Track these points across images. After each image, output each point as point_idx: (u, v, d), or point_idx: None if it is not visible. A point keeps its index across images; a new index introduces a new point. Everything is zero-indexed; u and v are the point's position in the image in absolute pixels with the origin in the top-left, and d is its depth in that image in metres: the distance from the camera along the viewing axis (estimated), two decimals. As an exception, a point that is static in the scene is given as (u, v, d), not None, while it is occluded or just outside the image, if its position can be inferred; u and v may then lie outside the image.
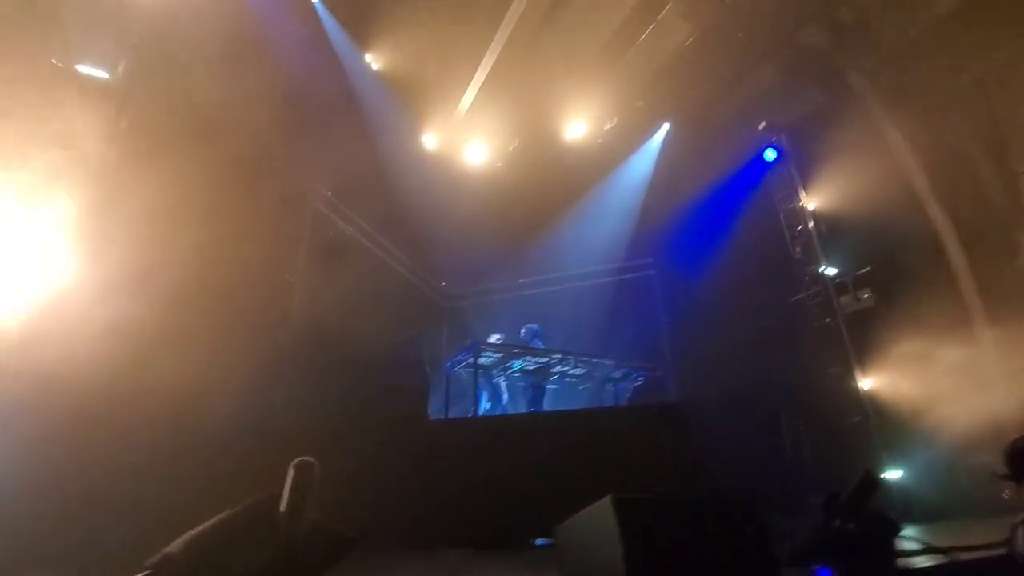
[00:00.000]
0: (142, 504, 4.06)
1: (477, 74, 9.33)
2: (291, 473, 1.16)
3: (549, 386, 7.32)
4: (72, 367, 4.09)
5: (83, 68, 4.99)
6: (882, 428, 7.04)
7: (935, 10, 7.58)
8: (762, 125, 8.89)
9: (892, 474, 6.73)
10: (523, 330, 7.80)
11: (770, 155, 8.84)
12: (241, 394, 6.57)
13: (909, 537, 2.04)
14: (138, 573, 1.07)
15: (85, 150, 4.62)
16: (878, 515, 2.02)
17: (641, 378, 7.31)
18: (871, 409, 7.18)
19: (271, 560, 1.14)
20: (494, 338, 7.09)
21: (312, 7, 8.28)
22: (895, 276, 7.26)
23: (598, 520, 1.58)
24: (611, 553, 1.45)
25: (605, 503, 1.52)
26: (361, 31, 8.98)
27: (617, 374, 7.28)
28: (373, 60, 9.42)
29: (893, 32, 8.12)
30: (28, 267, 4.43)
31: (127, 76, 5.26)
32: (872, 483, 1.94)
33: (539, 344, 7.57)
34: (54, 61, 4.82)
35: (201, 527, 1.17)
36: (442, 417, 6.58)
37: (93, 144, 4.67)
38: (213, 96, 6.00)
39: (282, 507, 1.18)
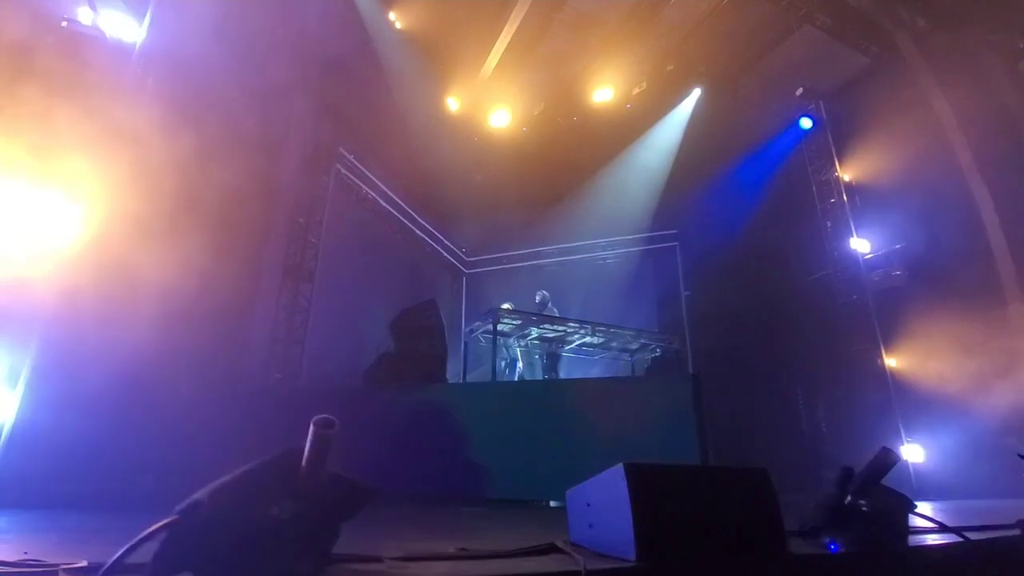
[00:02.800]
0: (180, 454, 4.29)
1: (501, 36, 9.08)
2: (312, 429, 1.20)
3: (564, 354, 7.36)
4: (111, 328, 4.24)
5: (108, 28, 4.99)
6: (905, 407, 6.95)
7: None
8: (799, 91, 8.50)
9: (913, 452, 6.68)
10: (538, 295, 7.80)
11: (806, 123, 8.48)
12: (268, 357, 6.82)
13: (922, 515, 2.02)
14: (168, 517, 1.13)
15: (111, 110, 4.65)
16: (891, 491, 2.01)
17: (658, 349, 7.29)
18: (894, 388, 7.07)
19: (293, 510, 1.19)
20: (504, 306, 7.12)
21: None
22: (930, 254, 7.00)
23: (609, 486, 1.60)
24: (621, 519, 1.47)
25: (617, 470, 1.53)
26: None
27: (634, 345, 7.27)
28: (396, 18, 9.21)
29: (949, -10, 7.60)
30: (64, 225, 4.57)
31: (151, 35, 5.24)
32: (889, 461, 1.92)
33: (553, 310, 7.58)
34: (69, 19, 4.82)
35: (227, 476, 1.22)
36: (460, 382, 6.71)
37: (119, 103, 4.71)
38: (235, 56, 5.97)
39: (303, 461, 1.22)
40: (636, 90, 10.11)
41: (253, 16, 6.34)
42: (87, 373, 4.11)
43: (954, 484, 6.11)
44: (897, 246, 7.45)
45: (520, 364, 7.36)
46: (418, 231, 9.94)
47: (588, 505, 1.74)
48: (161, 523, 1.15)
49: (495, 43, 9.29)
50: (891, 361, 7.21)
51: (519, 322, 6.56)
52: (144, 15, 5.26)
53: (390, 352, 6.21)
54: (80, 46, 4.63)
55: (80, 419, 3.98)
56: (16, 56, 4.10)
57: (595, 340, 6.95)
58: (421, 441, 4.90)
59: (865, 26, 8.09)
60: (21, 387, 4.17)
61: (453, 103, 10.49)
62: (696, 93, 9.70)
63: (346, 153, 8.28)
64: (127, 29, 5.20)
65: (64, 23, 4.66)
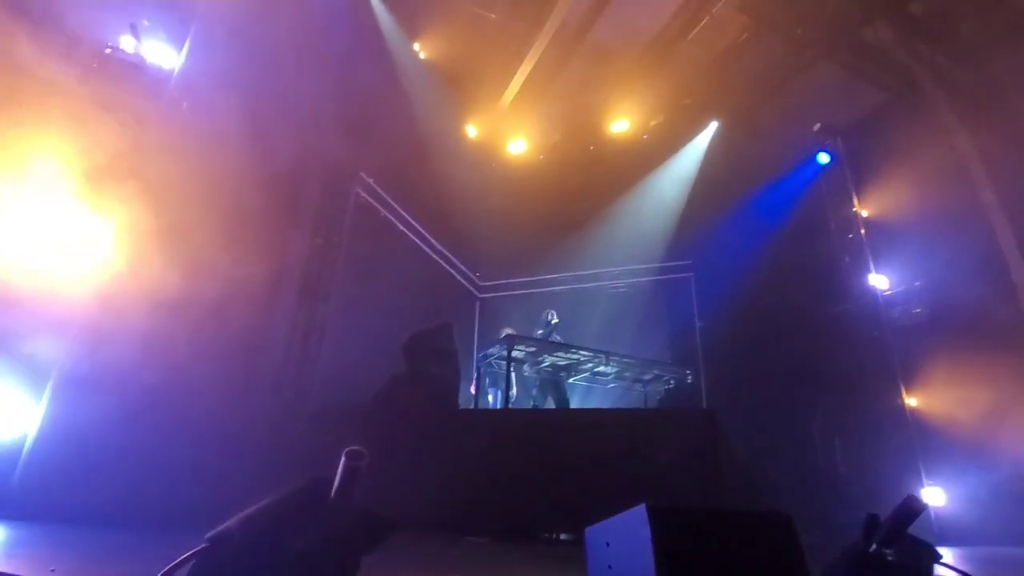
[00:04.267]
0: (200, 475, 4.32)
1: (521, 67, 9.30)
2: (343, 460, 1.22)
3: (577, 382, 7.32)
4: (134, 344, 4.33)
5: (149, 56, 5.23)
6: (925, 448, 6.77)
7: (1017, 6, 7.09)
8: (817, 126, 8.55)
9: (934, 496, 6.48)
10: (549, 314, 7.79)
11: (823, 158, 8.50)
12: (281, 376, 6.88)
13: (948, 565, 1.97)
14: (199, 545, 1.15)
15: (148, 131, 4.83)
16: (917, 540, 1.96)
17: (672, 381, 7.22)
18: (915, 428, 6.90)
19: (320, 541, 1.21)
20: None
21: (365, -4, 8.39)
22: (951, 292, 6.90)
23: (630, 527, 1.58)
24: (642, 562, 1.46)
25: (639, 511, 1.52)
26: (410, 20, 9.06)
27: (647, 375, 7.21)
28: (421, 49, 9.50)
29: (970, 27, 7.64)
30: (95, 241, 4.71)
31: (188, 62, 5.47)
32: (917, 509, 1.88)
33: (556, 336, 7.57)
34: (113, 47, 5.05)
35: (257, 505, 1.24)
36: (471, 407, 6.68)
37: (156, 126, 4.89)
38: (265, 82, 6.19)
39: (333, 492, 1.24)
40: (653, 122, 10.26)
41: (284, 45, 6.58)
42: (110, 388, 4.19)
43: (977, 530, 5.91)
44: (917, 283, 7.37)
45: (533, 391, 7.32)
46: (433, 254, 10.04)
47: (608, 545, 1.72)
48: (192, 551, 1.17)
49: (515, 74, 9.51)
50: (911, 400, 7.06)
51: (533, 349, 6.55)
52: (183, 44, 5.50)
53: (402, 374, 6.22)
54: (122, 71, 4.84)
55: (102, 433, 4.04)
56: (64, 79, 4.31)
57: (608, 369, 6.91)
58: (428, 466, 4.86)
59: (884, 62, 8.15)
60: (45, 400, 4.24)
61: (472, 131, 10.71)
62: (713, 126, 9.80)
63: (366, 176, 8.46)
64: (166, 56, 5.43)
65: (108, 50, 4.89)
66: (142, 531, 3.36)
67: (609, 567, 1.69)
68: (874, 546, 1.93)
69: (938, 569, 2.03)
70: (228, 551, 1.19)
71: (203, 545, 1.19)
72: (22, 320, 4.25)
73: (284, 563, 1.21)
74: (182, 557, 1.15)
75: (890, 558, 1.91)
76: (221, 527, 1.21)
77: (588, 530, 1.89)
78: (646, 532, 1.47)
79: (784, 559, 1.60)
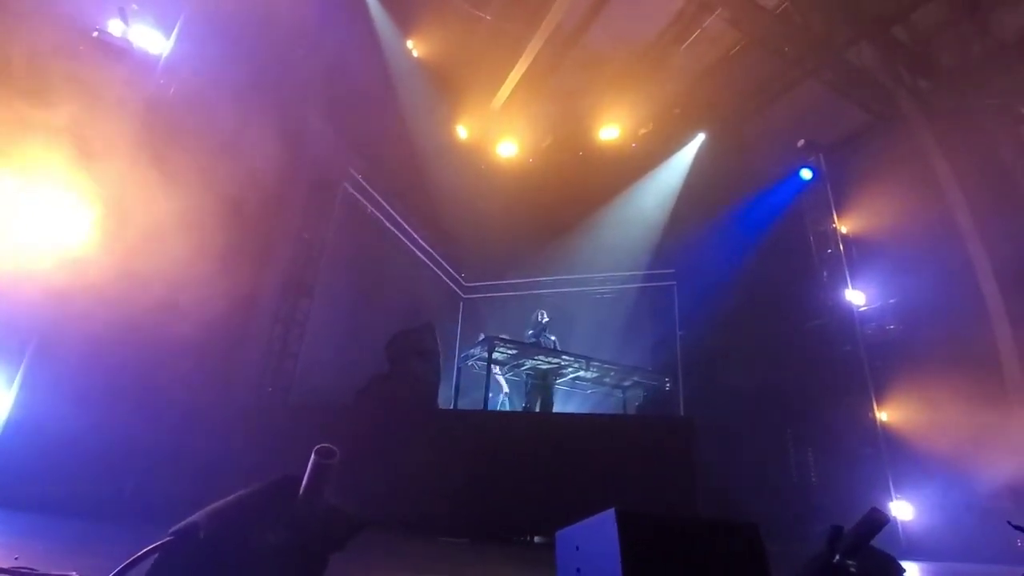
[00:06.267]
0: (176, 467, 4.26)
1: (514, 70, 9.33)
2: (313, 457, 1.21)
3: (557, 386, 7.34)
4: (108, 332, 4.25)
5: (136, 40, 5.14)
6: (895, 462, 6.92)
7: (998, 36, 7.32)
8: (801, 143, 8.71)
9: (901, 509, 6.63)
10: (540, 314, 7.77)
11: (806, 174, 8.66)
12: (262, 369, 6.81)
13: (911, 579, 2.01)
14: (163, 538, 1.14)
15: (133, 118, 4.75)
16: (881, 553, 2.01)
17: (651, 388, 7.28)
18: (885, 442, 7.05)
19: (287, 538, 1.20)
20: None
21: (359, -10, 8.35)
22: (924, 310, 7.08)
23: (599, 531, 1.60)
24: (609, 566, 1.48)
25: (608, 515, 1.54)
26: (404, 17, 9.04)
27: (627, 382, 7.26)
28: (414, 46, 9.47)
29: (951, 55, 7.87)
30: (71, 228, 4.61)
31: (177, 49, 5.39)
32: (880, 521, 1.93)
33: (549, 337, 7.56)
34: (99, 31, 4.96)
35: (224, 500, 1.23)
36: (451, 408, 6.67)
37: (142, 113, 4.81)
38: (254, 73, 6.13)
39: (302, 489, 1.23)
40: (642, 130, 10.36)
41: (274, 37, 6.53)
42: (82, 375, 4.11)
43: (944, 545, 6.04)
44: (892, 300, 7.54)
45: (503, 394, 7.32)
46: (419, 253, 10.01)
47: (577, 548, 1.74)
48: (156, 544, 1.16)
49: (508, 76, 9.54)
50: (882, 415, 7.21)
51: (515, 351, 6.56)
52: (172, 30, 5.42)
53: (383, 373, 6.19)
54: (109, 56, 4.76)
55: (73, 421, 3.96)
56: (49, 63, 4.21)
57: (589, 374, 6.94)
58: (404, 466, 4.83)
59: (868, 83, 8.35)
60: (16, 387, 4.14)
61: (462, 131, 10.70)
62: (700, 138, 9.93)
63: (355, 172, 8.40)
64: (154, 42, 5.35)
65: (95, 33, 4.80)
66: (114, 522, 3.30)
67: (578, 570, 1.71)
68: (837, 557, 1.97)
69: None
70: (193, 545, 1.18)
71: (167, 538, 1.18)
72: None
73: (249, 558, 1.20)
74: (145, 550, 1.14)
75: (853, 569, 1.95)
76: (187, 520, 1.19)
77: (559, 533, 1.90)
78: (614, 536, 1.49)
79: (749, 567, 1.63)
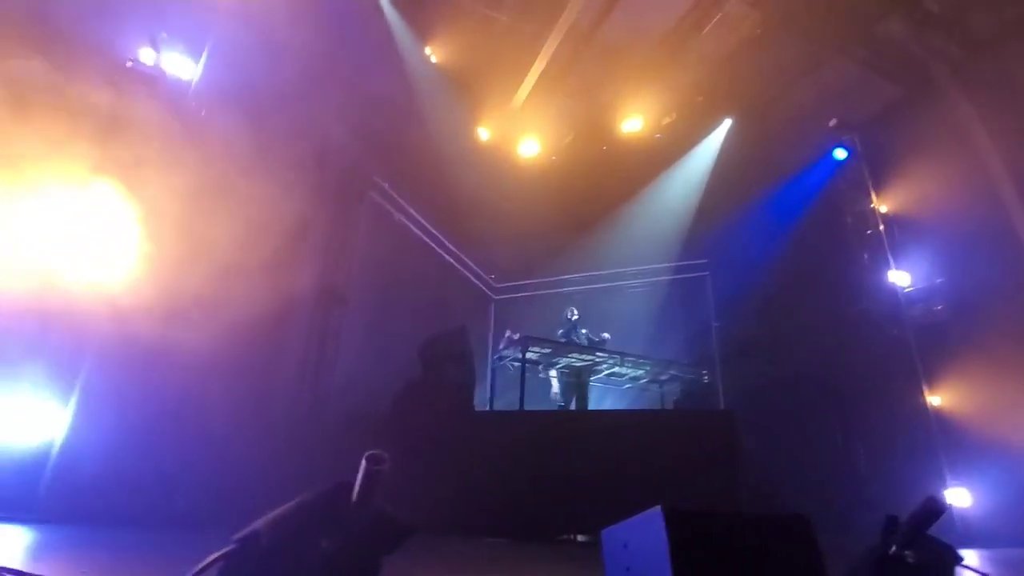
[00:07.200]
0: (223, 479, 4.42)
1: (533, 68, 9.31)
2: (363, 464, 1.25)
3: (592, 382, 7.30)
4: (157, 349, 4.44)
5: (168, 67, 5.36)
6: (949, 448, 6.64)
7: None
8: (833, 122, 8.43)
9: (958, 496, 6.36)
10: (570, 311, 7.76)
11: (840, 154, 8.39)
12: (299, 380, 6.98)
13: (969, 567, 1.94)
14: (228, 546, 1.19)
15: (169, 141, 4.95)
16: (938, 542, 1.94)
17: (689, 382, 7.17)
18: (938, 427, 6.78)
19: (341, 544, 1.24)
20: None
21: (377, 2, 8.48)
22: (973, 289, 6.76)
23: (647, 528, 1.59)
24: (659, 564, 1.47)
25: (655, 512, 1.53)
26: (421, 25, 9.14)
27: (664, 376, 7.17)
28: (432, 53, 9.57)
29: (985, 22, 7.49)
30: (118, 248, 4.83)
31: (206, 73, 5.59)
32: (936, 510, 1.87)
33: (581, 332, 7.53)
34: (133, 60, 5.18)
35: (282, 508, 1.28)
36: (487, 409, 6.71)
37: (176, 138, 5.01)
38: (280, 88, 6.30)
39: (354, 495, 1.27)
40: (666, 120, 10.19)
41: (298, 52, 6.69)
42: (133, 395, 4.30)
43: (1004, 531, 5.78)
44: (938, 280, 7.23)
45: (555, 390, 7.30)
46: (448, 256, 10.10)
47: (625, 547, 1.74)
48: (221, 552, 1.21)
49: (526, 75, 9.53)
50: (934, 399, 6.93)
51: (548, 350, 6.57)
52: (200, 55, 5.63)
53: (419, 378, 6.28)
54: (143, 84, 4.97)
55: (124, 437, 4.15)
56: (86, 94, 4.44)
57: (624, 370, 6.89)
58: (447, 469, 4.90)
59: (899, 57, 8.02)
60: (72, 404, 4.36)
61: (484, 133, 10.74)
62: (727, 123, 9.72)
63: (380, 181, 8.54)
64: (185, 68, 5.56)
65: (129, 63, 5.02)
66: (167, 533, 3.45)
67: (627, 569, 1.70)
68: (894, 548, 1.92)
69: (960, 571, 2.00)
70: (255, 552, 1.23)
71: (232, 546, 1.23)
72: (45, 327, 4.37)
73: (307, 564, 1.25)
74: (212, 557, 1.20)
75: (910, 560, 1.89)
76: (248, 528, 1.24)
77: (605, 531, 1.90)
78: (662, 534, 1.48)
79: (802, 561, 1.60)
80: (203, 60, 5.68)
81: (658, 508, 1.55)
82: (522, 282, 10.80)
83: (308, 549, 1.25)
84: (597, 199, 10.66)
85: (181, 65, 5.55)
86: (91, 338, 4.62)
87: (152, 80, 5.13)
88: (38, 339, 4.37)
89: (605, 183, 10.59)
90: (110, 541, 3.08)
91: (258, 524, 1.23)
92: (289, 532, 1.25)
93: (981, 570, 2.08)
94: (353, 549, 1.30)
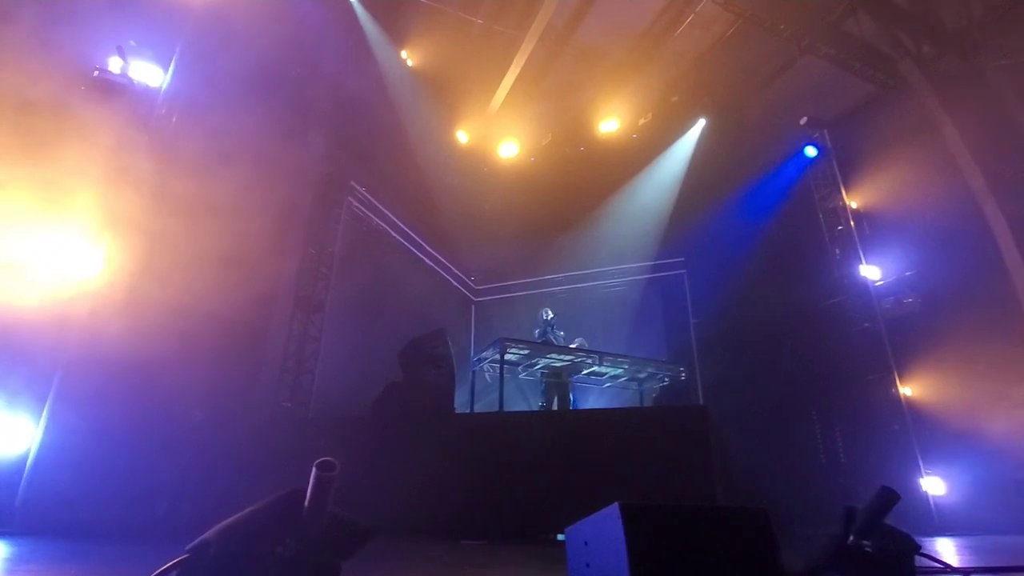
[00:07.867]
0: (200, 486, 4.37)
1: (509, 71, 9.35)
2: (313, 472, 1.26)
3: (573, 382, 7.33)
4: (128, 359, 4.38)
5: (136, 76, 5.29)
6: (922, 437, 6.80)
7: (997, -10, 7.14)
8: (803, 120, 8.60)
9: (933, 485, 6.51)
10: (544, 312, 7.80)
11: (811, 152, 8.55)
12: (279, 387, 6.93)
13: (927, 555, 2.00)
14: (179, 556, 1.19)
15: (138, 150, 4.88)
16: (896, 532, 1.99)
17: (667, 379, 7.24)
18: (911, 417, 6.93)
19: (297, 550, 1.25)
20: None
21: (350, 6, 8.44)
22: (943, 280, 6.93)
23: (605, 525, 1.62)
24: (617, 559, 1.49)
25: (612, 509, 1.56)
26: (396, 29, 9.12)
27: (643, 374, 7.23)
28: (408, 56, 9.56)
29: (953, 17, 7.67)
30: (88, 260, 4.75)
31: (175, 80, 5.53)
32: (890, 499, 1.92)
33: (558, 333, 7.57)
34: (101, 69, 5.10)
35: (234, 516, 1.28)
36: (467, 411, 6.71)
37: (146, 145, 4.95)
38: (252, 96, 6.24)
39: (306, 502, 1.28)
40: (642, 121, 10.31)
41: (270, 58, 6.63)
42: (106, 403, 4.24)
43: (979, 519, 5.92)
44: (908, 273, 7.40)
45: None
46: (428, 260, 10.09)
47: (586, 544, 1.75)
48: (172, 562, 1.21)
49: (503, 77, 9.57)
50: (906, 390, 7.09)
51: (527, 351, 6.58)
52: (169, 63, 5.56)
53: (398, 382, 6.25)
54: (111, 93, 4.90)
55: (99, 448, 4.09)
56: (53, 104, 4.37)
57: (604, 369, 6.93)
58: (425, 472, 4.87)
59: (868, 54, 8.19)
60: (44, 417, 4.29)
61: (463, 136, 10.77)
62: (701, 123, 9.86)
63: (357, 186, 8.51)
64: (153, 76, 5.49)
65: (96, 72, 4.95)
66: (142, 543, 3.40)
67: (587, 565, 1.72)
68: (852, 538, 1.96)
69: (918, 559, 2.05)
70: (207, 560, 1.23)
71: (183, 556, 1.23)
72: (16, 340, 4.30)
73: (262, 571, 1.25)
74: (162, 568, 1.19)
75: (868, 549, 1.94)
76: (200, 538, 1.24)
77: (568, 529, 1.92)
78: (619, 530, 1.50)
79: (758, 553, 1.63)
80: (172, 67, 5.61)
81: (615, 504, 1.57)
82: (502, 283, 10.83)
83: (262, 556, 1.26)
84: (576, 199, 10.74)
85: (150, 73, 5.48)
86: (63, 350, 4.55)
87: (120, 88, 5.06)
88: (8, 353, 4.29)
89: (584, 183, 10.68)
90: (80, 553, 3.04)
91: (209, 533, 1.24)
92: (241, 540, 1.25)
93: (938, 558, 2.13)
94: (309, 554, 1.31)
